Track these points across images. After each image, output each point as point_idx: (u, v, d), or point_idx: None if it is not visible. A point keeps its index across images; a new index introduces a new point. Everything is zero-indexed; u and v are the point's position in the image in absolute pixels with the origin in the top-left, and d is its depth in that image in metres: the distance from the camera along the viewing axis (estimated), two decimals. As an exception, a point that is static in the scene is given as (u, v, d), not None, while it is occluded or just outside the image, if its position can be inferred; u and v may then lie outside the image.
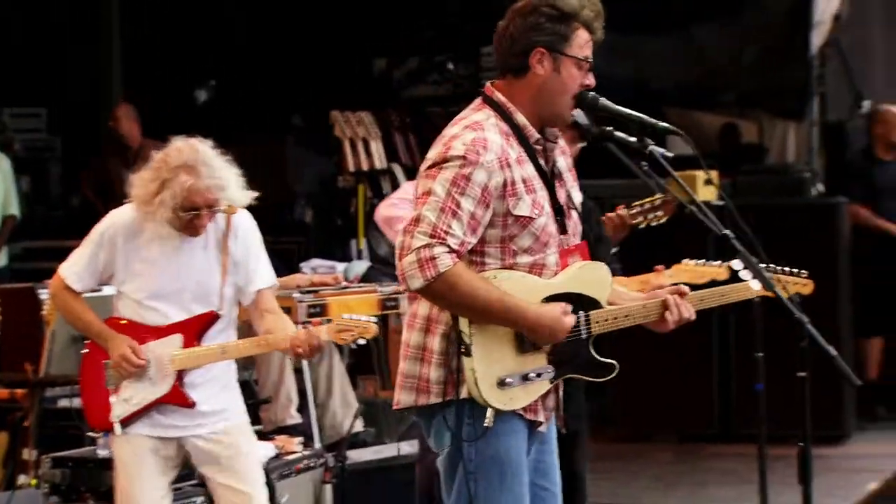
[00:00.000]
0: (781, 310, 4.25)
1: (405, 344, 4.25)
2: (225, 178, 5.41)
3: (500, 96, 4.25)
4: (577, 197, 4.38)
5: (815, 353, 4.19)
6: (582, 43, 4.22)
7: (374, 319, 5.54)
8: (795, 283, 4.86)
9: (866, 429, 10.56)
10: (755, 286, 4.63)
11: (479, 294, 4.08)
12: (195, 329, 5.43)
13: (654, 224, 6.02)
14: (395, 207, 6.39)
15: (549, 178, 4.27)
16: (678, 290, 4.37)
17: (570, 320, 4.19)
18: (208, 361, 5.46)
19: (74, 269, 5.50)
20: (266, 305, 5.58)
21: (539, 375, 4.19)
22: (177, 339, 5.41)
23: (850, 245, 10.48)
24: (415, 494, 6.92)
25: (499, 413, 4.15)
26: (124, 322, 5.44)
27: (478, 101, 4.29)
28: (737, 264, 4.35)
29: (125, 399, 5.40)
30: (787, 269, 4.85)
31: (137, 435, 5.42)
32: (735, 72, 12.43)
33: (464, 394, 4.14)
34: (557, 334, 4.17)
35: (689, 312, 4.35)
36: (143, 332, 5.41)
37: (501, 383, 4.13)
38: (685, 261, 5.93)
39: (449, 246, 4.05)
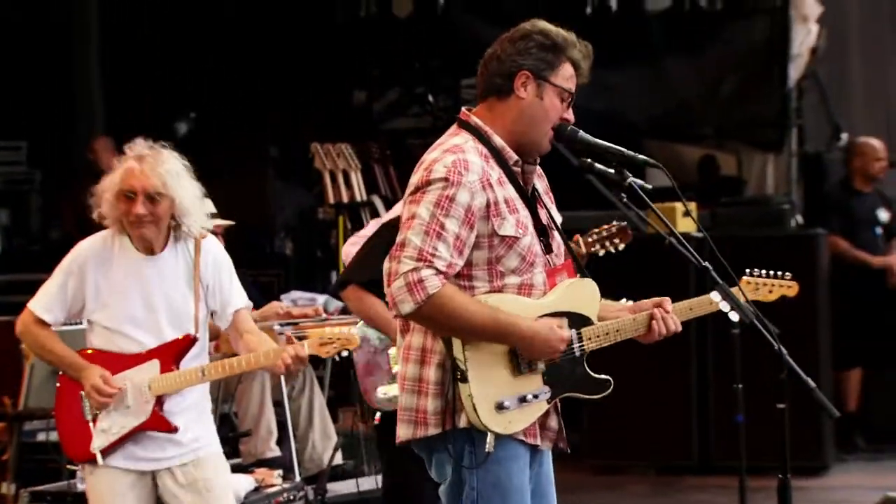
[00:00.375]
0: (760, 341, 4.27)
1: (401, 377, 4.26)
2: (174, 178, 5.37)
3: (476, 120, 4.29)
4: (559, 218, 4.41)
5: (794, 384, 4.21)
6: (567, 76, 4.27)
7: (355, 330, 5.52)
8: (780, 286, 4.88)
9: (846, 460, 10.57)
10: (734, 318, 4.65)
11: (470, 313, 4.09)
12: (172, 354, 5.39)
13: (612, 251, 6.04)
14: (357, 245, 6.40)
15: (530, 198, 4.29)
16: (660, 302, 4.39)
17: (566, 333, 4.20)
18: (188, 385, 5.42)
19: (43, 302, 5.44)
20: (245, 326, 5.56)
21: (536, 396, 4.20)
22: (154, 364, 5.37)
23: (829, 276, 10.51)
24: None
25: (499, 438, 4.15)
26: (94, 352, 5.39)
27: (454, 127, 4.33)
28: (715, 296, 4.37)
29: (103, 430, 5.34)
30: (770, 272, 4.87)
31: (115, 469, 5.35)
32: (712, 104, 12.50)
33: (462, 423, 4.15)
34: (554, 346, 4.18)
35: (675, 325, 4.38)
36: (118, 361, 5.36)
37: (500, 407, 4.14)
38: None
39: (436, 268, 4.07)
